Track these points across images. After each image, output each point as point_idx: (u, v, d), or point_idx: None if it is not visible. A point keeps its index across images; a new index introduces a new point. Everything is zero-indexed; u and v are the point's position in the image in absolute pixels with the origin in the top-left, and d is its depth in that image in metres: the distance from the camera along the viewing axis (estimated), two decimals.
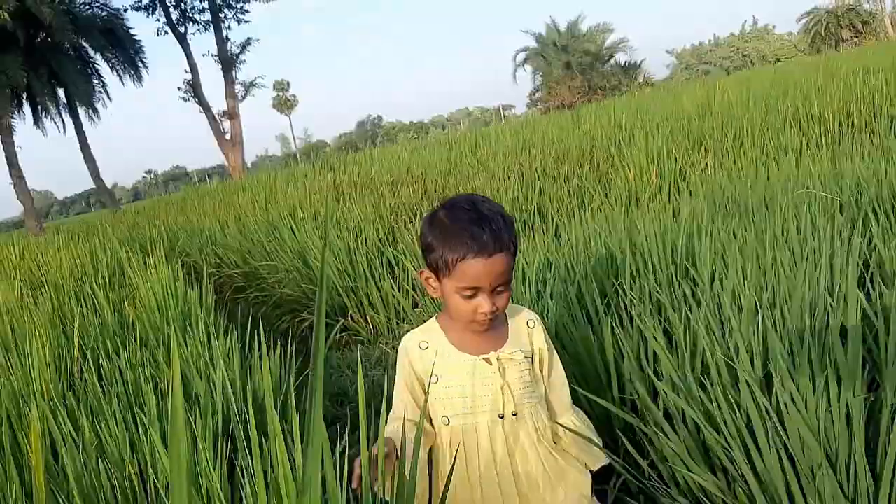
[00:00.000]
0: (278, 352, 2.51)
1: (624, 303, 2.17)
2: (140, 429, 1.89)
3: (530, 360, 1.44)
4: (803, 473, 1.42)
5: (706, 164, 4.69)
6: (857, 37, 43.58)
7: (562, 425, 1.47)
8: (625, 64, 35.96)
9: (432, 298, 3.19)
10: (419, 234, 1.37)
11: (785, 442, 1.45)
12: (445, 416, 1.40)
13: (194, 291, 3.47)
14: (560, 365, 1.51)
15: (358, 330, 3.98)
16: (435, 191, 5.78)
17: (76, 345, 2.75)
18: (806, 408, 1.45)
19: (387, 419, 1.42)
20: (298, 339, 3.74)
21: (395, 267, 4.16)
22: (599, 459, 1.51)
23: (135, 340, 2.81)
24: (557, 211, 4.62)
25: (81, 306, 3.53)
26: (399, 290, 3.93)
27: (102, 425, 1.92)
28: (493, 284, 1.30)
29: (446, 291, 1.34)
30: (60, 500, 1.72)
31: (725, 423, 1.55)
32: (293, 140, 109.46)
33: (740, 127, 5.44)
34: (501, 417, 1.38)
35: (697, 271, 2.22)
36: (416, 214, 5.02)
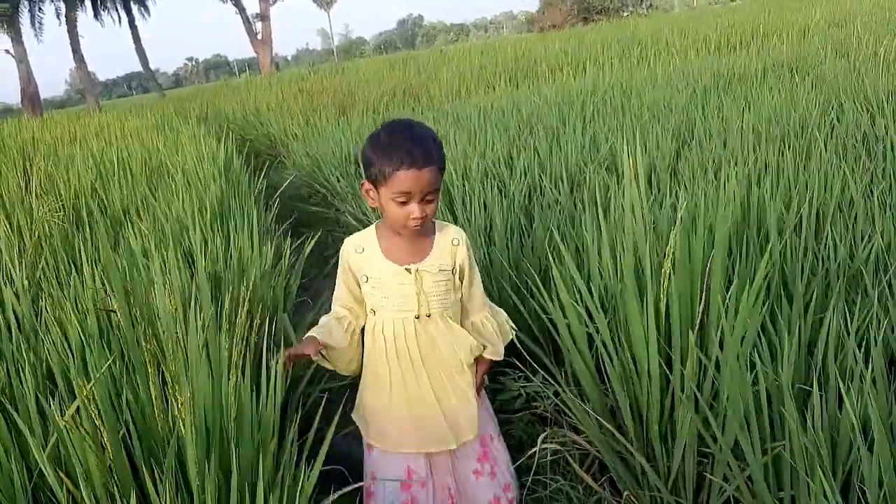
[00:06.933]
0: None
1: None
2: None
3: (449, 272, 1.69)
4: None
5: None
6: None
7: (473, 322, 1.78)
8: None
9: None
10: (361, 152, 1.60)
11: None
12: (373, 308, 1.71)
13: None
14: (479, 277, 1.79)
15: (284, 161, 8.32)
16: (345, 97, 10.07)
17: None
18: None
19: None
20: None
21: (306, 135, 8.43)
22: (497, 353, 1.79)
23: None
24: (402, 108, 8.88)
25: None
26: (306, 149, 8.18)
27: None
28: (423, 193, 1.53)
29: (383, 199, 1.56)
30: None
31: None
32: (331, 36, 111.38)
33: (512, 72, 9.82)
34: (417, 318, 1.67)
35: None
36: (330, 111, 9.26)
